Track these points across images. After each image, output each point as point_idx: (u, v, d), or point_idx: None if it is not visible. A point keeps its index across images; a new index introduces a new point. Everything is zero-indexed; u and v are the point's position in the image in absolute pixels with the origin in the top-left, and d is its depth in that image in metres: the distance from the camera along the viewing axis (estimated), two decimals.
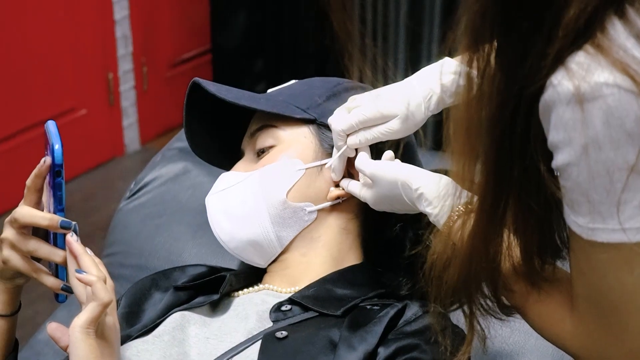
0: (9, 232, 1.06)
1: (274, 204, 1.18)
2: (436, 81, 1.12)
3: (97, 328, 0.96)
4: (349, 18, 0.89)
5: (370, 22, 3.09)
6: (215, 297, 1.17)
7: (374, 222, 1.22)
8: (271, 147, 1.21)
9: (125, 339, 1.14)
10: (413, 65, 1.76)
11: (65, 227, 1.02)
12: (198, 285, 1.22)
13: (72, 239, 1.02)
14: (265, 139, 1.22)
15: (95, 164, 3.14)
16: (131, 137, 3.30)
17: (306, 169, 1.19)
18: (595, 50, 0.75)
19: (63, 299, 1.07)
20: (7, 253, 1.06)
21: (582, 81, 0.75)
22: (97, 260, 1.02)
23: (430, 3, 2.97)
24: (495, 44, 0.81)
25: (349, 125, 1.13)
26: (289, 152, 1.20)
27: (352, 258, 1.21)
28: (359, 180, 1.17)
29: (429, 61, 1.15)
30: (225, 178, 1.24)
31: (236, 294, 1.20)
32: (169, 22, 3.34)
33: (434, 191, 1.02)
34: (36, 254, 1.05)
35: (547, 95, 0.77)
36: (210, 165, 1.54)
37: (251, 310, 1.15)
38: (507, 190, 0.85)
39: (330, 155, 1.20)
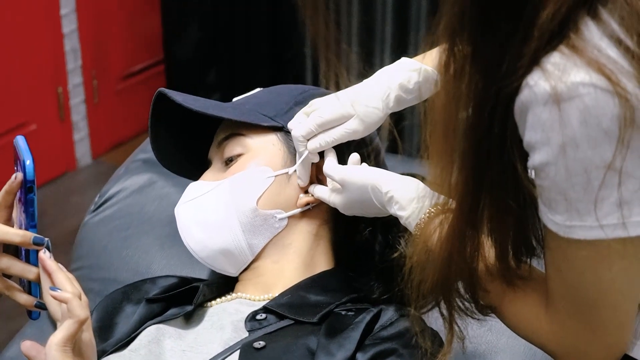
0: None
1: (244, 211, 1.18)
2: (393, 80, 1.12)
3: (74, 345, 0.96)
4: (324, 21, 0.90)
5: (345, 27, 3.09)
6: (189, 308, 1.17)
7: (344, 228, 1.23)
8: (239, 155, 1.21)
9: (100, 354, 1.13)
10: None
11: (38, 243, 1.01)
12: (170, 296, 1.22)
13: (45, 255, 1.01)
14: (233, 148, 1.22)
15: (47, 179, 3.11)
16: (83, 151, 3.27)
17: (275, 176, 1.20)
18: (570, 51, 0.77)
19: (36, 316, 1.06)
20: None
21: (558, 81, 0.76)
22: (70, 276, 1.01)
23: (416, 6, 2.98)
24: (471, 45, 0.82)
25: (308, 129, 1.14)
26: (258, 160, 1.20)
27: (324, 264, 1.22)
28: (327, 186, 1.18)
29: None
30: (194, 187, 1.23)
31: (209, 304, 1.20)
32: (119, 35, 3.31)
33: (404, 194, 1.03)
34: (8, 272, 1.04)
35: (523, 96, 0.78)
36: (176, 176, 1.53)
37: (226, 320, 1.15)
38: (484, 190, 0.86)
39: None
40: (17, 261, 1.04)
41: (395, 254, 1.15)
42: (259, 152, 1.21)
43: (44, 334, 1.48)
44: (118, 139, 3.40)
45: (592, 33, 0.77)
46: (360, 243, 1.23)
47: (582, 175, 0.78)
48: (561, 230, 0.82)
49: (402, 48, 3.05)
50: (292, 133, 1.16)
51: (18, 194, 1.04)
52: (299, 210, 1.20)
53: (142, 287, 1.28)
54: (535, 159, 0.80)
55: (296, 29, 3.17)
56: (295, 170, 1.20)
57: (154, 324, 1.18)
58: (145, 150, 1.65)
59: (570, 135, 0.76)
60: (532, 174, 0.84)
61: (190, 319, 1.19)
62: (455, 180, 0.87)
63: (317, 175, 1.21)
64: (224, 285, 1.24)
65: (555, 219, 0.82)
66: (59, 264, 1.02)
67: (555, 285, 0.88)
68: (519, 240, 0.90)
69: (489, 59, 0.81)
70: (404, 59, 1.14)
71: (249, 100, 1.27)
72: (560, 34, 0.77)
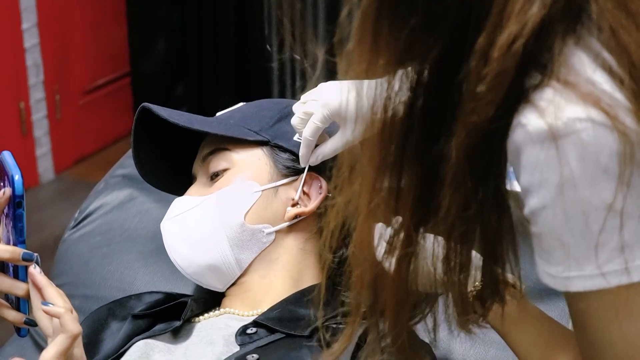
0: None
1: (231, 226, 1.18)
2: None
3: None
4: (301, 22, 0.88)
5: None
6: (178, 323, 1.16)
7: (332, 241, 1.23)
8: (225, 170, 1.21)
9: None
10: None
11: (28, 259, 1.01)
12: (157, 312, 1.21)
13: (35, 271, 1.01)
14: (218, 163, 1.22)
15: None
16: (45, 166, 3.24)
17: (262, 190, 1.20)
18: (562, 86, 0.72)
19: (25, 332, 1.06)
20: None
21: (553, 118, 0.71)
22: (60, 291, 1.01)
23: None
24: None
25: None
26: (244, 174, 1.21)
27: (311, 277, 1.22)
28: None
29: None
30: (180, 203, 1.23)
31: (197, 319, 1.20)
32: (82, 49, 3.31)
33: None
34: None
35: (517, 136, 0.74)
36: (158, 192, 1.52)
37: (216, 335, 1.14)
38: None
39: (285, 176, 1.21)
40: (5, 277, 1.03)
41: None
42: (244, 167, 1.21)
43: (24, 350, 1.47)
44: (81, 154, 3.39)
45: (584, 65, 0.73)
46: (347, 256, 1.24)
47: (580, 218, 0.73)
48: (558, 283, 0.76)
49: None
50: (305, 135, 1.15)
51: (5, 210, 1.03)
52: (286, 224, 1.20)
53: (127, 304, 1.27)
54: (531, 203, 0.75)
55: (263, 43, 3.18)
56: (282, 184, 1.20)
57: (141, 339, 1.17)
58: (124, 165, 1.64)
59: (567, 175, 0.72)
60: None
61: (177, 334, 1.18)
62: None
63: (304, 189, 1.21)
64: (210, 300, 1.24)
65: (550, 270, 0.76)
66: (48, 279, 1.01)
67: (580, 347, 0.83)
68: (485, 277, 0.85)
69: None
70: None
71: (232, 115, 1.27)
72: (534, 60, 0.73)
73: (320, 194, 1.21)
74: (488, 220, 0.78)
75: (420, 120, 0.77)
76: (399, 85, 0.77)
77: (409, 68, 0.76)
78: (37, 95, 3.17)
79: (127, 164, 1.62)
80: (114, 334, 1.21)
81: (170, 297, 1.26)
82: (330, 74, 0.96)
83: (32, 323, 1.02)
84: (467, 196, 0.76)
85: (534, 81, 0.73)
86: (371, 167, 0.79)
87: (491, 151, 0.75)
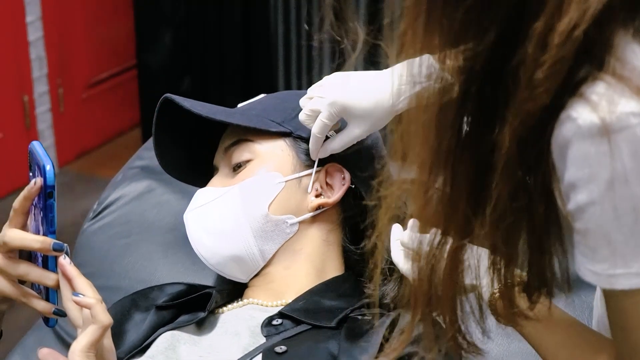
0: None
1: (255, 217, 1.18)
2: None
3: (97, 352, 0.95)
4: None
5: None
6: (202, 315, 1.17)
7: (354, 232, 1.23)
8: (248, 161, 1.21)
9: None
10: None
11: (58, 249, 1.00)
12: (180, 303, 1.22)
13: (65, 261, 1.00)
14: (241, 154, 1.22)
15: (13, 189, 3.06)
16: None
17: (286, 181, 1.20)
18: (616, 80, 0.71)
19: (54, 323, 1.05)
20: None
21: (606, 112, 0.70)
22: (89, 282, 1.01)
23: None
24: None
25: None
26: (267, 165, 1.20)
27: (334, 269, 1.22)
28: (335, 191, 1.20)
29: None
30: (203, 194, 1.23)
31: (220, 310, 1.20)
32: (85, 42, 3.30)
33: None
34: (26, 278, 1.03)
35: (565, 130, 0.73)
36: (176, 183, 1.52)
37: (241, 327, 1.15)
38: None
39: (308, 167, 1.21)
40: (35, 267, 1.03)
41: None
42: (268, 158, 1.21)
43: (45, 342, 1.47)
44: (84, 147, 3.38)
45: (639, 59, 0.72)
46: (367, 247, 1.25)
47: (630, 215, 0.71)
48: (602, 281, 0.75)
49: None
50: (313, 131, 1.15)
51: (35, 201, 1.02)
52: (310, 214, 1.21)
53: (149, 295, 1.27)
54: (577, 199, 0.74)
55: (269, 38, 3.19)
56: (305, 175, 1.21)
57: (167, 330, 1.17)
58: (142, 157, 1.64)
59: (619, 170, 0.70)
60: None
61: (202, 325, 1.18)
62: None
63: (327, 180, 1.22)
64: (234, 291, 1.24)
65: (595, 268, 0.75)
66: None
67: (619, 349, 0.81)
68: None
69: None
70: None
71: (254, 106, 1.27)
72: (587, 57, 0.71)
73: (344, 185, 1.21)
74: (536, 211, 0.77)
75: (474, 106, 0.76)
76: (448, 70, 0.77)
77: (463, 53, 0.76)
78: (40, 88, 3.16)
79: (144, 156, 1.63)
80: (138, 325, 1.21)
81: (192, 288, 1.27)
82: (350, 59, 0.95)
83: (62, 313, 1.02)
84: (517, 186, 0.76)
85: (585, 73, 0.72)
86: (425, 155, 0.79)
87: (543, 141, 0.74)
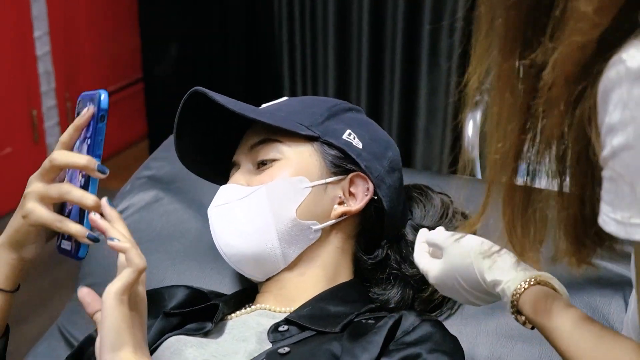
0: (35, 185, 1.02)
1: (283, 221, 1.19)
2: None
3: (130, 297, 0.94)
4: None
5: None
6: (210, 326, 1.17)
7: (368, 242, 1.25)
8: (274, 160, 1.22)
9: None
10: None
11: (102, 171, 0.99)
12: (188, 312, 1.22)
13: (106, 202, 0.99)
14: (268, 152, 1.22)
15: None
16: None
17: (312, 187, 1.21)
18: None
19: (84, 253, 1.02)
20: (31, 205, 1.02)
21: None
22: (125, 226, 0.99)
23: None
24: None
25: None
26: (295, 169, 1.21)
27: (344, 277, 1.23)
28: (358, 202, 1.21)
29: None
30: (227, 191, 1.23)
31: (228, 316, 1.21)
32: (92, 56, 3.32)
33: (506, 260, 0.99)
34: (67, 197, 1.00)
35: (613, 72, 0.70)
36: (183, 192, 1.55)
37: (248, 333, 1.16)
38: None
39: (333, 174, 1.22)
40: (76, 188, 1.00)
41: (414, 269, 1.20)
42: (295, 161, 1.21)
43: (56, 351, 1.48)
44: None
45: None
46: (380, 257, 1.26)
47: None
48: (622, 230, 0.72)
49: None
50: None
51: (83, 133, 1.03)
52: (333, 221, 1.22)
53: (156, 298, 1.28)
54: (613, 142, 0.71)
55: (273, 48, 3.21)
56: (330, 182, 1.21)
57: (173, 335, 1.18)
58: (149, 167, 1.66)
59: None
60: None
61: (209, 330, 1.18)
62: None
63: (350, 189, 1.23)
64: (242, 298, 1.25)
65: (617, 216, 0.72)
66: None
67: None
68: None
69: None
70: None
71: (281, 108, 1.27)
72: None
73: (367, 195, 1.23)
74: (579, 148, 0.76)
75: (526, 32, 0.77)
76: None
77: None
78: (48, 102, 3.18)
79: (152, 166, 1.65)
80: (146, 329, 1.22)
81: (200, 294, 1.28)
82: None
83: (95, 239, 1.00)
84: (561, 118, 0.76)
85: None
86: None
87: (587, 81, 0.73)
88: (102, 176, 0.99)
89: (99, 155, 1.00)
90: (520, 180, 0.85)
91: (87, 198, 0.99)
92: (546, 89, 0.75)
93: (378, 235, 1.25)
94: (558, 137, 0.77)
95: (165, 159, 1.66)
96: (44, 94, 3.16)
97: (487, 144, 0.84)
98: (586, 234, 0.80)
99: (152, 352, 1.17)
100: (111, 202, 1.00)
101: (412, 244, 1.22)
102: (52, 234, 1.07)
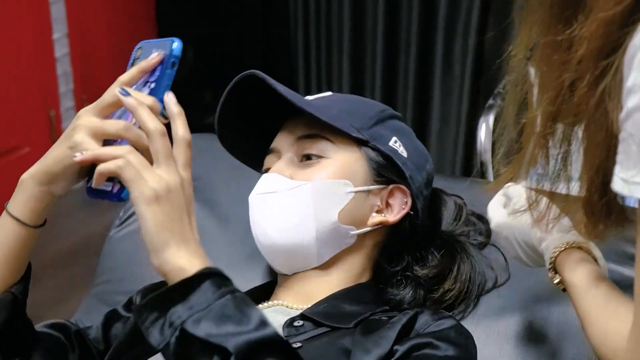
0: (88, 119, 0.97)
1: (324, 222, 1.18)
2: None
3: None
4: None
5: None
6: None
7: (393, 251, 1.25)
8: (321, 157, 1.20)
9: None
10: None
11: (164, 116, 0.95)
12: None
13: (172, 99, 0.95)
14: (315, 147, 1.21)
15: None
16: None
17: (355, 192, 1.20)
18: None
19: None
20: (81, 137, 0.95)
21: None
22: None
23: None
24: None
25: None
26: (341, 171, 1.20)
27: (363, 279, 1.23)
28: (394, 211, 1.22)
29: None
30: (271, 180, 1.21)
31: None
32: (110, 59, 3.34)
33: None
34: (126, 134, 0.94)
35: (637, 39, 0.72)
36: (196, 192, 1.53)
37: None
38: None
39: (376, 182, 1.21)
40: (135, 127, 0.95)
41: (425, 270, 1.22)
42: (341, 163, 1.20)
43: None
44: None
45: None
46: (398, 261, 1.25)
47: None
48: (626, 188, 0.74)
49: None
50: None
51: (146, 77, 1.00)
52: (368, 229, 1.21)
53: None
54: (629, 104, 0.73)
55: (288, 51, 3.23)
56: (372, 190, 1.21)
57: None
58: None
59: None
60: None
61: None
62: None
63: (388, 200, 1.23)
64: (260, 295, 1.25)
65: (624, 175, 0.74)
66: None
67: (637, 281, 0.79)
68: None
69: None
70: None
71: (332, 105, 1.24)
72: None
73: (404, 209, 1.23)
74: (599, 119, 0.79)
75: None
76: None
77: None
78: (67, 103, 3.20)
79: None
80: None
81: None
82: None
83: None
84: (587, 91, 0.78)
85: None
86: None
87: (612, 55, 0.75)
88: (163, 121, 0.94)
89: (162, 100, 0.97)
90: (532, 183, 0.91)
91: (144, 138, 0.94)
92: (575, 63, 0.78)
93: (404, 245, 1.25)
94: (583, 107, 0.79)
95: None
96: (62, 95, 3.18)
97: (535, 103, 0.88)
98: (599, 204, 0.83)
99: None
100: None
101: (429, 246, 1.24)
102: (85, 174, 1.01)
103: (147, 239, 0.89)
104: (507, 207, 1.15)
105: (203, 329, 0.85)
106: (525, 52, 0.88)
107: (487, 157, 2.08)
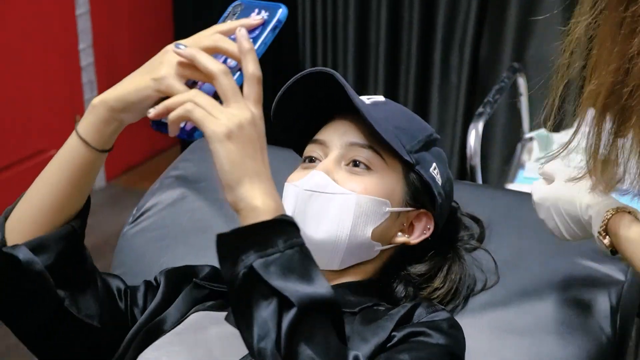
0: (173, 55, 0.98)
1: (358, 235, 1.18)
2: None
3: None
4: None
5: None
6: None
7: (404, 264, 1.26)
8: (368, 168, 1.20)
9: (153, 329, 1.18)
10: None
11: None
12: (216, 289, 1.24)
13: (244, 34, 0.96)
14: (365, 157, 1.20)
15: None
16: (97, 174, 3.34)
17: (391, 212, 1.20)
18: None
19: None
20: (167, 72, 0.97)
21: None
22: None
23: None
24: None
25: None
26: (383, 189, 1.20)
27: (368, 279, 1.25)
28: (415, 234, 1.24)
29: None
30: (319, 179, 1.19)
31: None
32: (132, 68, 3.33)
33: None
34: (221, 45, 0.96)
35: None
36: (207, 191, 1.62)
37: None
38: None
39: (408, 204, 1.22)
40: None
41: (416, 268, 1.25)
42: (386, 182, 1.20)
43: None
44: (130, 163, 3.46)
45: None
46: (405, 271, 1.27)
47: None
48: None
49: None
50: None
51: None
52: (391, 246, 1.23)
53: (189, 271, 1.30)
54: None
55: (297, 60, 3.33)
56: (404, 211, 1.22)
57: (202, 310, 1.20)
58: (177, 167, 1.71)
59: None
60: None
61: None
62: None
63: (412, 221, 1.24)
64: None
65: None
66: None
67: None
68: None
69: None
70: None
71: (388, 118, 1.23)
72: None
73: (425, 234, 1.24)
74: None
75: None
76: None
77: None
78: None
79: (180, 166, 1.71)
80: (179, 300, 1.24)
81: None
82: None
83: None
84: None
85: None
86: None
87: None
88: (258, 74, 0.94)
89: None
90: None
91: (237, 51, 0.96)
92: (639, 39, 0.83)
93: (414, 257, 1.27)
94: None
95: (192, 160, 1.70)
96: (87, 101, 3.23)
97: (586, 81, 0.93)
98: None
99: (180, 322, 1.19)
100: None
101: (428, 248, 1.27)
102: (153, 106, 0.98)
103: (222, 175, 0.90)
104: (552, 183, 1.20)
105: (270, 274, 0.88)
106: (586, 32, 0.91)
107: (476, 161, 2.13)
